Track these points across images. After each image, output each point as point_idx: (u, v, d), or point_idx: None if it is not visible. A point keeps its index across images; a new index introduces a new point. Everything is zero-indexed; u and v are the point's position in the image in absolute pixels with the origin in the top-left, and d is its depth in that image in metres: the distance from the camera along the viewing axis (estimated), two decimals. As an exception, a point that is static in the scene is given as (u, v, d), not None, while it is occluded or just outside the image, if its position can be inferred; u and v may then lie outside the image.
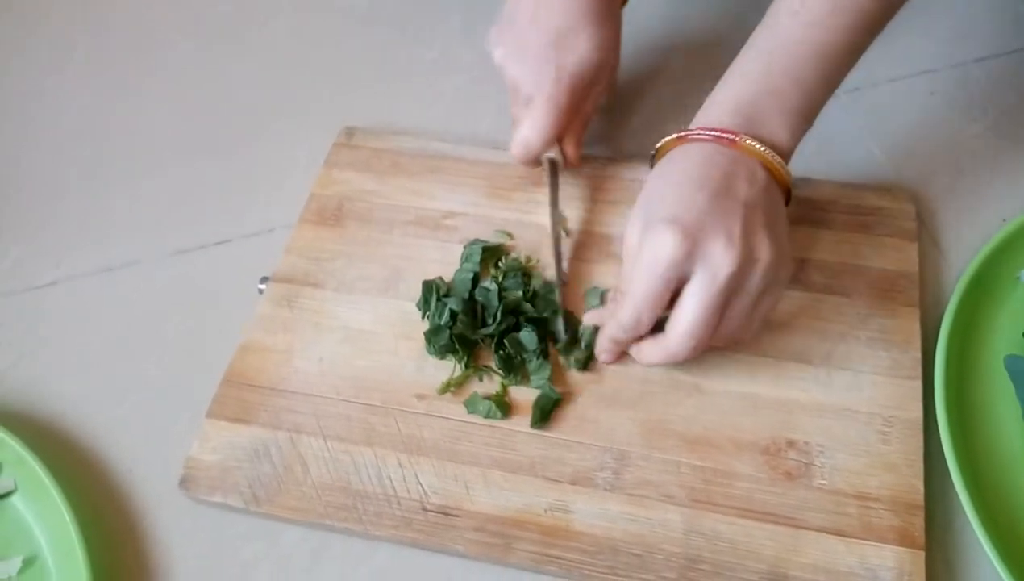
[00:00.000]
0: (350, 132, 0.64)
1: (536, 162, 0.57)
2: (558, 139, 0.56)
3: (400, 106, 0.68)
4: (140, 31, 0.76)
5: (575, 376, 0.52)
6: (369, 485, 0.48)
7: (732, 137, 0.47)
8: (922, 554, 0.45)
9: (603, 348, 0.51)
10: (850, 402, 0.50)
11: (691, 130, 0.48)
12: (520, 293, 0.54)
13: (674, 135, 0.49)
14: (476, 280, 0.56)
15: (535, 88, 0.54)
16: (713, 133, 0.47)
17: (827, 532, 0.46)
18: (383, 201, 0.61)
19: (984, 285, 0.54)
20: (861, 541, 0.46)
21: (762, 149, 0.47)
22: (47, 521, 0.48)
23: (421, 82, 0.70)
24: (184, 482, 0.49)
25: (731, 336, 0.47)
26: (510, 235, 0.58)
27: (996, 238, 0.55)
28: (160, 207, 0.64)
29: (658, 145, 0.51)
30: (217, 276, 0.60)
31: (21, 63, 0.74)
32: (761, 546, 0.46)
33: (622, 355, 0.51)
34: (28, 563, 0.47)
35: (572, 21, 0.54)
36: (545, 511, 0.47)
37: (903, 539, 0.46)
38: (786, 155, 0.49)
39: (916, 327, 0.53)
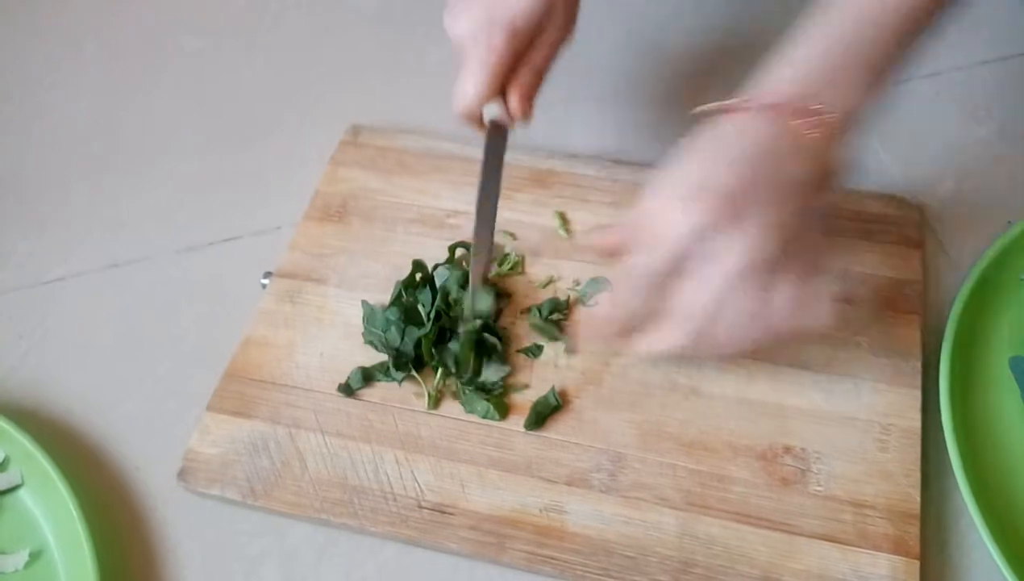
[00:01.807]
0: (356, 130, 0.65)
1: (481, 122, 0.54)
2: (502, 93, 0.52)
3: (407, 105, 0.68)
4: (149, 29, 0.77)
5: (573, 378, 0.52)
6: (366, 481, 0.49)
7: (796, 108, 0.42)
8: (917, 563, 0.45)
9: (592, 332, 0.50)
10: (849, 409, 0.50)
11: (744, 99, 0.43)
12: (453, 287, 0.54)
13: (725, 101, 0.44)
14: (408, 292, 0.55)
15: (473, 43, 0.51)
16: (772, 105, 0.42)
17: (822, 539, 0.46)
18: (387, 199, 0.61)
19: (989, 287, 0.54)
20: (856, 549, 0.45)
21: (818, 126, 0.41)
22: (54, 515, 0.49)
23: (428, 82, 0.70)
24: (183, 474, 0.50)
25: (729, 337, 0.43)
26: (513, 235, 0.59)
27: (1001, 240, 0.55)
28: (168, 204, 0.64)
29: (704, 108, 0.45)
30: (225, 273, 0.60)
31: (30, 60, 0.75)
32: (755, 551, 0.46)
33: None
34: (35, 557, 0.48)
35: None
36: (540, 511, 0.47)
37: (898, 548, 0.45)
38: (850, 126, 0.43)
39: (918, 335, 0.52)
